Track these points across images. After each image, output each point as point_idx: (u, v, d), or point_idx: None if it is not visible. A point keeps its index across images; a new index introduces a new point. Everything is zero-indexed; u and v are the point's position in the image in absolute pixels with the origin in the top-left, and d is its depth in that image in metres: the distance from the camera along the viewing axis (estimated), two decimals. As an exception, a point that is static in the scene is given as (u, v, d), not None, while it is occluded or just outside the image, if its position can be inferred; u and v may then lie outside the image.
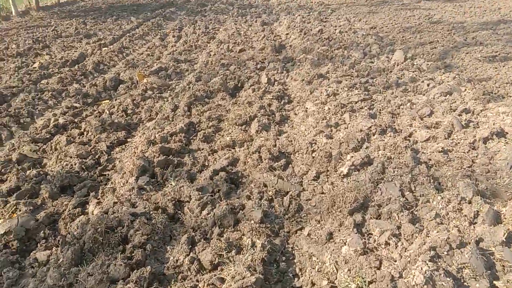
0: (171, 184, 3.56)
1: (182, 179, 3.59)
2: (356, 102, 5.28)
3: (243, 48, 8.81)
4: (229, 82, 6.50)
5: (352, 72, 6.51)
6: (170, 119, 5.18)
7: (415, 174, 3.46)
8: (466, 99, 5.38)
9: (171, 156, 4.14)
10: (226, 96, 5.96)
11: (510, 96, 5.52)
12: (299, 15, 12.46)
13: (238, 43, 9.55)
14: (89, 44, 10.44)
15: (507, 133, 4.43)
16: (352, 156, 3.68)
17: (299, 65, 7.51)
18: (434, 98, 5.46)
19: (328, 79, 6.37)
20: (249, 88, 6.31)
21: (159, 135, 4.48)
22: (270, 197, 3.41)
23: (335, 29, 10.13)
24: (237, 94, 6.25)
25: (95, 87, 6.78)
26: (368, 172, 3.44)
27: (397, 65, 6.91)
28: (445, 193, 3.25)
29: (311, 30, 10.35)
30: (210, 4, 18.10)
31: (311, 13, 13.25)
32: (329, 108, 5.07)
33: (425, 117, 4.98)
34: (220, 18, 14.26)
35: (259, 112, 5.17)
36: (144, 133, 4.87)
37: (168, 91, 6.55)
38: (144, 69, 7.71)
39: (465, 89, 5.73)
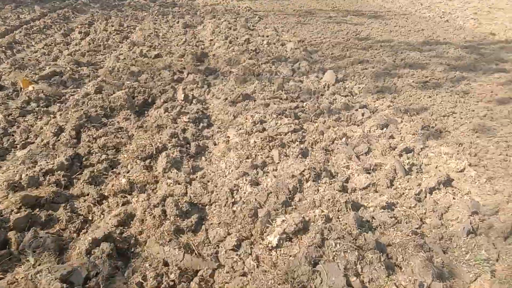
0: (27, 262, 2.44)
1: (46, 253, 2.49)
2: (285, 134, 4.50)
3: (159, 53, 7.70)
4: (137, 96, 5.40)
5: (281, 93, 5.75)
6: (50, 147, 3.97)
7: (360, 246, 2.72)
8: (403, 133, 4.86)
9: (38, 209, 2.99)
10: (130, 116, 4.86)
11: (448, 131, 5.11)
12: (225, 20, 11.57)
13: (154, 46, 8.40)
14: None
15: (453, 179, 3.92)
16: (283, 221, 2.84)
17: (222, 79, 6.61)
18: (370, 131, 4.87)
19: (255, 101, 5.55)
20: (161, 106, 5.27)
21: (27, 175, 3.28)
22: (171, 284, 2.44)
23: (263, 40, 9.39)
24: (145, 112, 5.17)
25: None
26: (304, 245, 2.63)
27: (328, 88, 6.30)
28: (399, 277, 2.54)
29: (237, 38, 9.51)
30: (129, -2, 16.55)
31: (238, 19, 12.43)
32: (255, 142, 4.22)
33: (362, 155, 4.35)
34: (139, 15, 12.90)
35: (170, 142, 4.16)
36: (7, 169, 3.62)
37: (58, 104, 5.28)
38: (33, 72, 6.28)
39: (402, 121, 5.24)
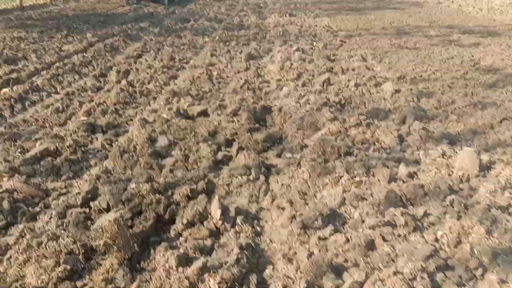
0: None
1: None
2: None
3: (205, 109, 5.54)
4: (145, 212, 3.23)
5: (394, 213, 3.23)
6: None
7: None
8: None
9: None
10: (119, 270, 2.68)
11: None
12: (298, 49, 9.21)
13: (202, 96, 6.28)
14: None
15: None
16: None
17: (290, 158, 4.28)
18: None
19: (344, 223, 3.13)
20: (181, 233, 3.07)
21: None
22: None
23: (348, 80, 6.89)
24: (149, 255, 2.94)
25: None
26: None
27: (473, 188, 3.67)
28: None
29: (313, 77, 7.11)
30: (193, 20, 14.91)
31: (314, 45, 10.03)
32: None
33: None
34: (198, 42, 11.03)
35: None
36: None
37: (22, 225, 3.23)
38: (21, 149, 4.41)
39: None
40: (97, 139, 4.81)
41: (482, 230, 2.86)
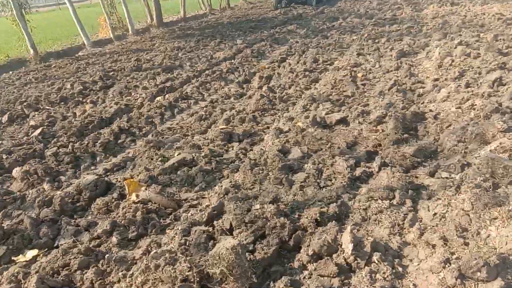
0: None
1: None
2: None
3: (345, 117, 5.02)
4: (270, 237, 2.91)
5: None
6: None
7: None
8: None
9: None
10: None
11: None
12: (461, 42, 7.90)
13: (342, 101, 5.76)
14: (154, 87, 7.82)
15: None
16: None
17: (446, 186, 3.47)
18: None
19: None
20: (306, 265, 2.67)
21: None
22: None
23: (530, 78, 5.53)
24: None
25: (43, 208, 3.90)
26: None
27: None
28: None
29: (480, 76, 5.92)
30: (341, 18, 14.33)
31: (482, 37, 8.51)
32: None
33: None
34: (346, 40, 10.45)
35: None
36: None
37: (147, 240, 3.24)
38: (161, 158, 4.56)
39: None
40: (232, 148, 4.73)
41: None
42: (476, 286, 2.37)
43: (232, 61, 9.55)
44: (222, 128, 5.15)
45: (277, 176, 3.77)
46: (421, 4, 15.65)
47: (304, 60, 8.55)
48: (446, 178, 3.55)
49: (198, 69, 8.85)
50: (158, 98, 6.85)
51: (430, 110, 5.00)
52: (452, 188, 3.29)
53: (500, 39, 8.29)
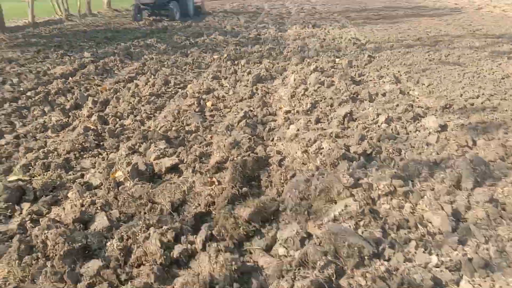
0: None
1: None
2: None
3: (177, 162, 4.08)
4: None
5: None
6: None
7: None
8: None
9: None
10: None
11: None
12: (317, 69, 7.65)
13: (183, 136, 4.86)
14: None
15: None
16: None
17: (281, 271, 2.75)
18: None
19: None
20: None
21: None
22: None
23: (378, 113, 5.29)
24: None
25: None
26: None
27: None
28: None
29: (331, 108, 5.56)
30: (206, 34, 13.61)
31: (337, 62, 8.45)
32: None
33: None
34: (205, 60, 9.67)
35: None
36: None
37: None
38: None
39: None
40: (19, 213, 3.44)
41: None
42: None
43: (70, 78, 8.05)
44: (12, 181, 3.81)
45: (59, 267, 2.64)
46: (286, 25, 15.83)
47: (154, 81, 7.49)
48: (284, 256, 2.82)
49: (21, 89, 7.17)
50: None
51: (277, 152, 4.35)
52: (288, 276, 2.55)
53: (354, 65, 8.31)
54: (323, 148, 4.09)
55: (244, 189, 3.60)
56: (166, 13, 17.89)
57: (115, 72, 8.90)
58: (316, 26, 14.48)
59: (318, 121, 5.09)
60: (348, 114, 5.13)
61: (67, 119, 5.83)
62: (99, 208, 3.32)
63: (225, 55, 9.61)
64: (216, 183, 3.70)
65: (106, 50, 11.21)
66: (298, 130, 4.79)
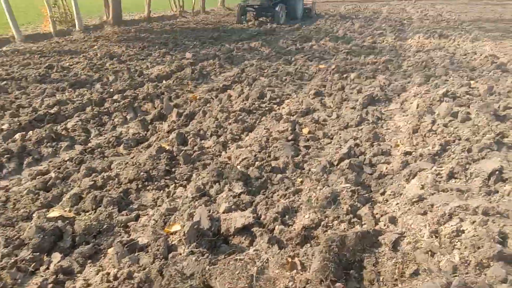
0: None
1: None
2: None
3: (252, 222, 3.05)
4: None
5: None
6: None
7: None
8: None
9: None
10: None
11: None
12: (447, 91, 6.09)
13: (267, 177, 3.82)
14: (32, 112, 5.75)
15: None
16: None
17: None
18: None
19: None
20: None
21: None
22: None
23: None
24: None
25: None
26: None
27: None
28: None
29: (468, 156, 4.07)
30: (315, 39, 12.50)
31: (472, 87, 6.73)
32: None
33: None
34: (309, 70, 8.58)
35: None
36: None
37: None
38: None
39: None
40: (46, 267, 2.72)
41: None
42: None
43: (164, 81, 7.56)
44: (52, 218, 3.13)
45: None
46: (406, 32, 14.01)
47: (248, 93, 6.60)
48: None
49: (111, 90, 6.80)
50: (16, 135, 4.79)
51: (391, 221, 3.10)
52: None
53: (495, 92, 6.54)
54: (463, 231, 2.75)
55: (338, 284, 2.44)
56: (271, 16, 17.10)
57: (211, 77, 8.24)
58: (444, 37, 12.46)
59: (452, 176, 3.69)
60: (497, 172, 3.64)
61: (145, 132, 5.19)
62: (135, 286, 2.43)
63: (333, 66, 8.39)
64: (299, 266, 2.60)
65: (209, 51, 10.72)
66: (423, 188, 3.46)
